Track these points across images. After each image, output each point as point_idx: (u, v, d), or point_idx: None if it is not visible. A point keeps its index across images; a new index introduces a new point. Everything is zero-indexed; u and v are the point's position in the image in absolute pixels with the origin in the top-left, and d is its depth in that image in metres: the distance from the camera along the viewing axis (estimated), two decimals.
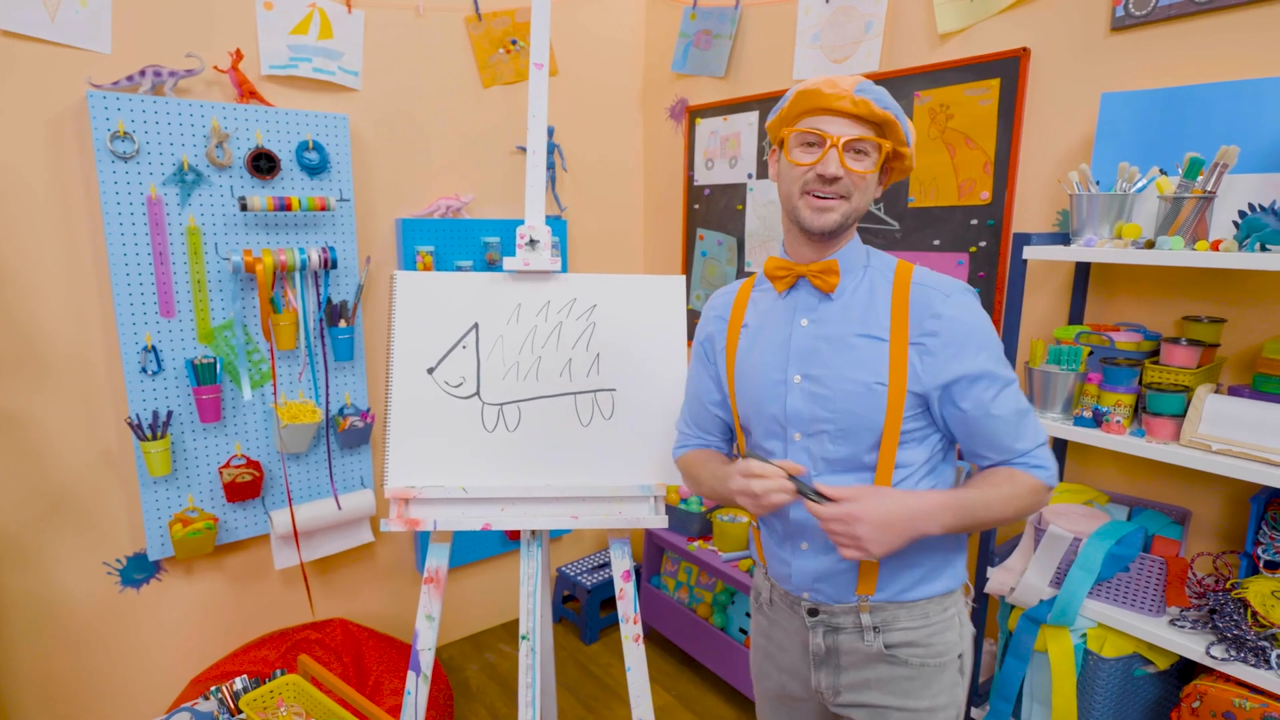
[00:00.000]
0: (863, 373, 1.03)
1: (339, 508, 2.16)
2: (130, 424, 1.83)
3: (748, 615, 2.37)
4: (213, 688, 1.40)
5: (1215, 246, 1.27)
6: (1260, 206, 1.23)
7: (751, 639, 1.28)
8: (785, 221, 1.11)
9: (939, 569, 1.10)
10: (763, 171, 2.41)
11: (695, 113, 2.61)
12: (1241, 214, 1.26)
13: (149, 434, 1.86)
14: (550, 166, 2.59)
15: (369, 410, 2.23)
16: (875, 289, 1.07)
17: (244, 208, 1.89)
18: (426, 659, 1.49)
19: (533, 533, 1.55)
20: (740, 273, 2.54)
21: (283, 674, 1.44)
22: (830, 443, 1.06)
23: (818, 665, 1.14)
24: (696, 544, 2.49)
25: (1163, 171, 1.43)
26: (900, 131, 1.02)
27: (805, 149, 1.03)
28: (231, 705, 1.45)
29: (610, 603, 2.75)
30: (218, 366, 1.94)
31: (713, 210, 2.60)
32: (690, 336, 2.76)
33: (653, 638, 2.68)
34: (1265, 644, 1.27)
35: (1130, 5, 1.54)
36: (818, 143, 1.02)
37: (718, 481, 1.16)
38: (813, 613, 1.12)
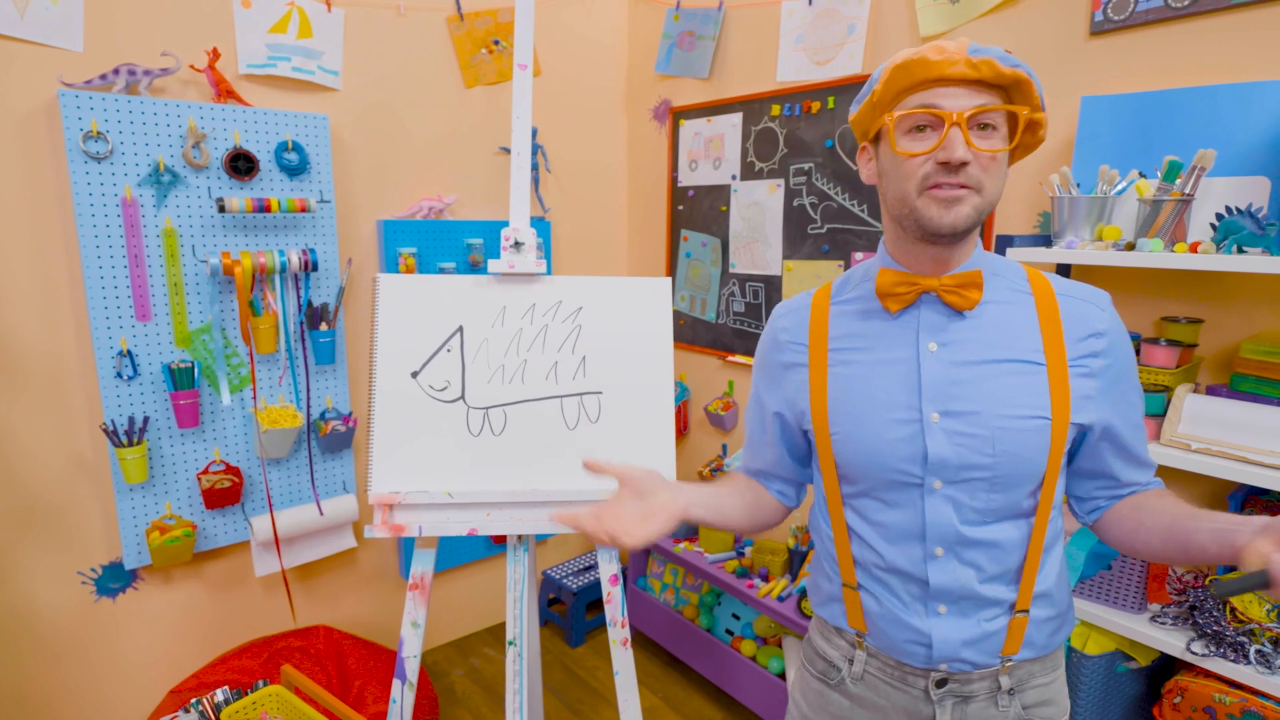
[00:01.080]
0: (1021, 406, 0.85)
1: (321, 513, 2.13)
2: (105, 430, 1.79)
3: (734, 617, 2.38)
4: (193, 700, 1.37)
5: (1194, 249, 1.29)
6: (1237, 209, 1.25)
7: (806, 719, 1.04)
8: (892, 229, 0.91)
9: (1069, 613, 0.96)
10: (747, 173, 2.41)
11: (679, 114, 2.61)
12: (1219, 216, 1.29)
13: (125, 440, 1.82)
14: (533, 168, 2.58)
15: (351, 414, 2.20)
16: (1014, 303, 0.89)
17: (222, 209, 1.86)
18: (412, 667, 1.47)
19: (519, 538, 1.54)
20: (725, 274, 2.54)
21: (265, 684, 1.42)
22: (986, 491, 0.87)
23: None
24: (683, 545, 2.49)
25: (1142, 174, 1.45)
26: (1035, 93, 0.82)
27: (915, 135, 0.82)
28: (213, 717, 1.42)
29: (596, 605, 2.74)
30: (195, 371, 1.91)
31: (697, 211, 2.60)
32: (676, 336, 2.76)
33: (639, 639, 2.67)
34: (1244, 639, 1.29)
35: (1109, 10, 1.56)
36: (932, 124, 0.81)
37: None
38: (941, 684, 0.92)
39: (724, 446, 2.64)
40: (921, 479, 0.88)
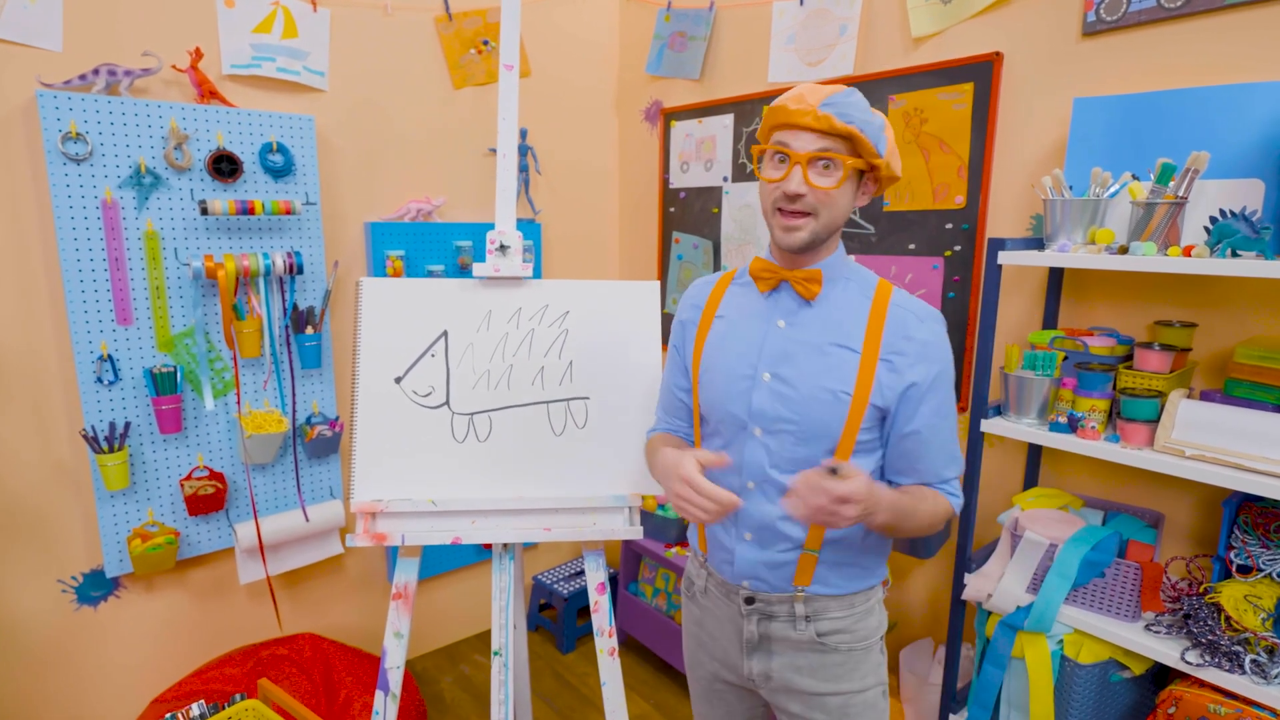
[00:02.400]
0: (831, 380, 1.07)
1: (307, 519, 2.10)
2: (85, 436, 1.76)
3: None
4: (168, 715, 1.34)
5: (1187, 252, 1.27)
6: (1231, 212, 1.23)
7: (684, 628, 1.31)
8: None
9: (872, 568, 1.17)
10: (739, 174, 2.40)
11: (670, 115, 2.58)
12: (1213, 219, 1.27)
13: (105, 446, 1.79)
14: (524, 169, 2.55)
15: (338, 419, 2.17)
16: (854, 302, 1.10)
17: (204, 211, 1.83)
18: (395, 677, 1.45)
19: (504, 546, 1.51)
20: None
21: (242, 698, 1.39)
22: (791, 442, 1.09)
23: (750, 652, 1.18)
24: (674, 550, 2.46)
25: (1135, 177, 1.43)
26: (867, 144, 1.01)
27: (775, 165, 1.05)
28: None
29: (588, 611, 2.71)
30: (178, 375, 1.88)
31: (688, 213, 2.58)
32: (666, 341, 2.73)
33: (630, 645, 2.65)
34: (1239, 649, 1.27)
35: (1102, 10, 1.54)
36: (784, 159, 1.03)
37: (664, 469, 1.15)
38: (749, 600, 1.16)
39: None
40: (746, 423, 1.11)
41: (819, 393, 1.07)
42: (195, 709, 1.38)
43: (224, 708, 1.39)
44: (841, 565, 1.14)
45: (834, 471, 0.97)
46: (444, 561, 2.55)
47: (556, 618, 2.65)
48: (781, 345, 1.10)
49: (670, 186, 2.64)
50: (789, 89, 1.06)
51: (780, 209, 1.05)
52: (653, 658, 2.58)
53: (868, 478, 0.98)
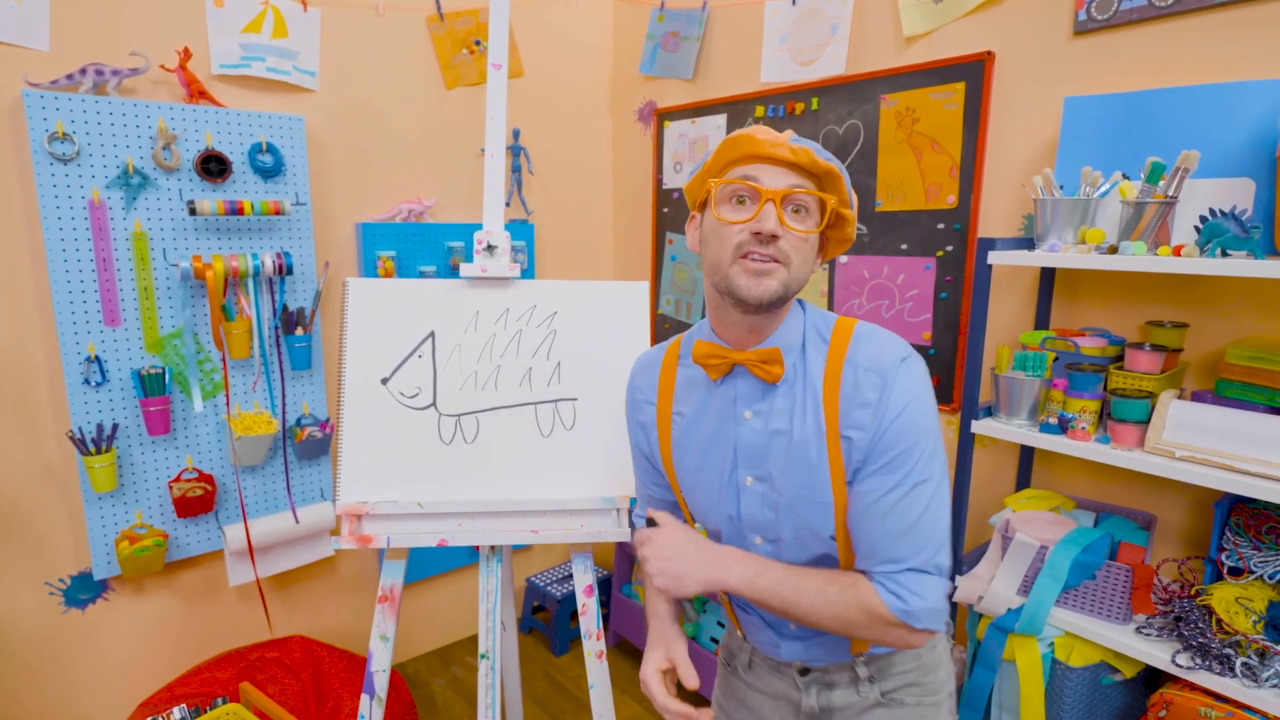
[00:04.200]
0: (810, 486, 0.91)
1: (297, 521, 2.09)
2: (72, 438, 1.75)
3: (720, 625, 2.34)
4: (149, 718, 1.33)
5: (1177, 252, 1.26)
6: (1221, 211, 1.22)
7: (716, 703, 1.19)
8: (712, 295, 0.94)
9: None
10: None
11: (663, 115, 2.58)
12: (1203, 219, 1.26)
13: (92, 448, 1.78)
14: (517, 169, 2.54)
15: (329, 420, 2.16)
16: (820, 365, 0.92)
17: (193, 212, 1.82)
18: (381, 681, 1.44)
19: (492, 548, 1.50)
20: None
21: (224, 702, 1.38)
22: (788, 548, 0.95)
23: None
24: None
25: (1125, 176, 1.42)
26: (844, 187, 0.89)
27: (736, 205, 0.88)
28: None
29: None
30: (166, 377, 1.87)
31: (682, 214, 2.57)
32: (654, 341, 2.72)
33: (624, 647, 2.64)
34: (1230, 652, 1.26)
35: (1093, 9, 1.54)
36: (751, 196, 0.86)
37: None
38: (804, 672, 1.05)
39: None
40: (744, 532, 0.98)
41: (803, 493, 0.91)
42: (176, 713, 1.37)
43: (206, 711, 1.38)
44: None
45: (648, 522, 0.97)
46: (436, 563, 2.54)
47: (550, 620, 2.64)
48: (754, 441, 0.94)
49: (664, 187, 2.63)
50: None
51: (748, 254, 0.86)
52: None
53: (670, 518, 0.96)
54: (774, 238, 0.85)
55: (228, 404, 1.98)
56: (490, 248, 1.51)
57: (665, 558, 0.93)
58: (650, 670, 0.99)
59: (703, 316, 2.58)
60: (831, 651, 1.02)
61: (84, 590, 1.92)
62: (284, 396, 2.07)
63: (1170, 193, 1.30)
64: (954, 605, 1.63)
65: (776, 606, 0.90)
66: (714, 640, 2.34)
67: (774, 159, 0.87)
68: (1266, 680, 1.21)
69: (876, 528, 0.87)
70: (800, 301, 0.96)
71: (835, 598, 0.88)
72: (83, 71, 1.72)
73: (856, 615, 0.87)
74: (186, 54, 1.83)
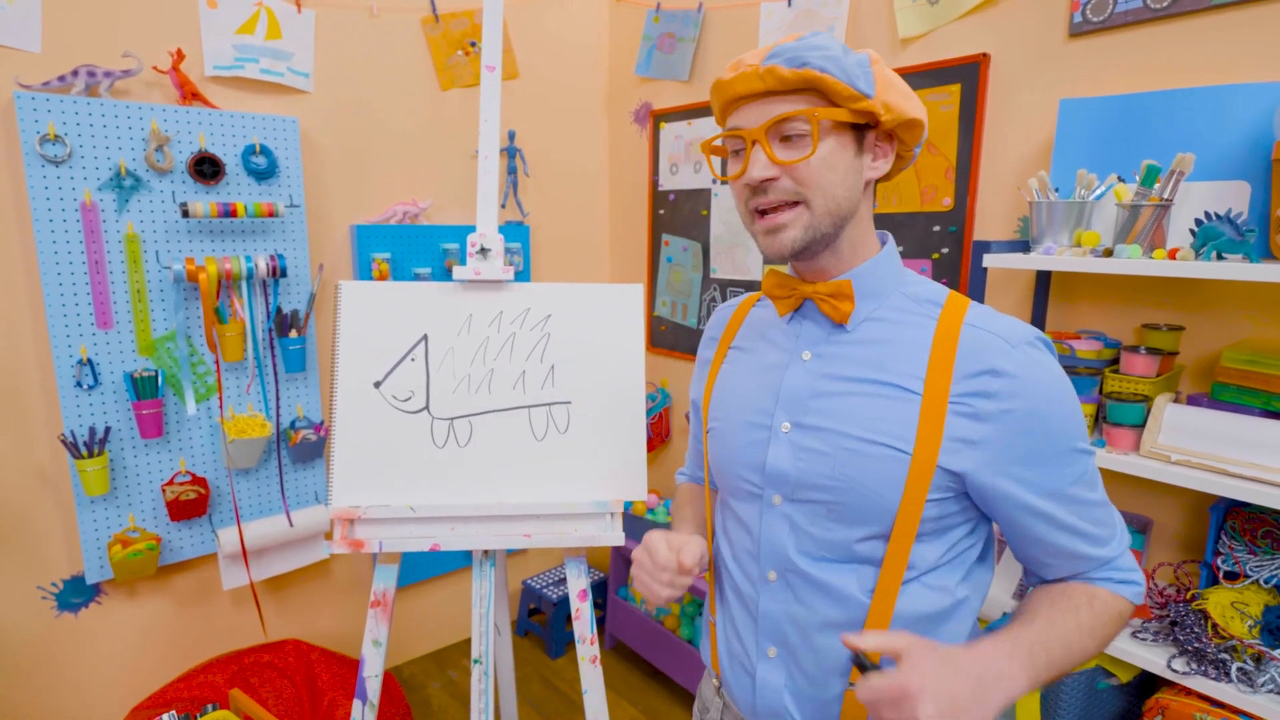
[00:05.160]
0: (880, 432, 0.76)
1: (291, 524, 2.08)
2: (64, 441, 1.74)
3: None
4: None
5: (1173, 255, 1.26)
6: (1216, 215, 1.22)
7: None
8: None
9: None
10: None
11: (659, 116, 2.57)
12: (1198, 222, 1.25)
13: (85, 451, 1.77)
14: (512, 171, 2.54)
15: (323, 423, 2.15)
16: (910, 326, 0.80)
17: (186, 214, 1.81)
18: (374, 687, 1.43)
19: (485, 552, 1.49)
20: (706, 279, 2.50)
21: (215, 709, 1.37)
22: (824, 518, 0.79)
23: None
24: None
25: (1120, 179, 1.42)
26: (838, 85, 0.73)
27: (735, 159, 0.80)
28: None
29: None
30: (159, 379, 1.86)
31: (678, 216, 2.57)
32: (650, 345, 2.72)
33: (620, 650, 2.63)
34: (1225, 656, 1.25)
35: (1088, 11, 1.53)
36: (744, 146, 0.78)
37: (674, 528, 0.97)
38: None
39: None
40: (761, 489, 0.84)
41: (858, 446, 0.77)
42: (167, 718, 1.36)
43: (197, 718, 1.37)
44: None
45: (860, 664, 0.70)
46: (431, 566, 2.53)
47: (546, 623, 2.63)
48: (805, 384, 0.82)
49: (659, 188, 2.62)
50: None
51: (756, 210, 0.79)
52: (642, 663, 2.56)
53: (913, 641, 0.68)
54: (769, 180, 0.76)
55: (221, 407, 1.97)
56: (484, 250, 1.50)
57: (946, 711, 0.63)
58: (658, 535, 0.86)
59: (698, 322, 2.61)
60: (815, 710, 0.83)
61: (76, 594, 1.91)
62: (278, 399, 2.07)
63: (1165, 196, 1.30)
64: None
65: (1055, 678, 0.75)
66: None
67: (748, 95, 0.76)
68: (1262, 685, 1.21)
69: (1067, 530, 0.77)
70: (904, 267, 0.86)
71: (1095, 625, 0.76)
72: (75, 73, 1.71)
73: (1115, 624, 0.78)
74: (179, 55, 1.82)
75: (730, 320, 0.97)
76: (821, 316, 0.84)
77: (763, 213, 0.79)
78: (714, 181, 2.42)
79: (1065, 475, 0.76)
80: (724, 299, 2.45)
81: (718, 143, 0.83)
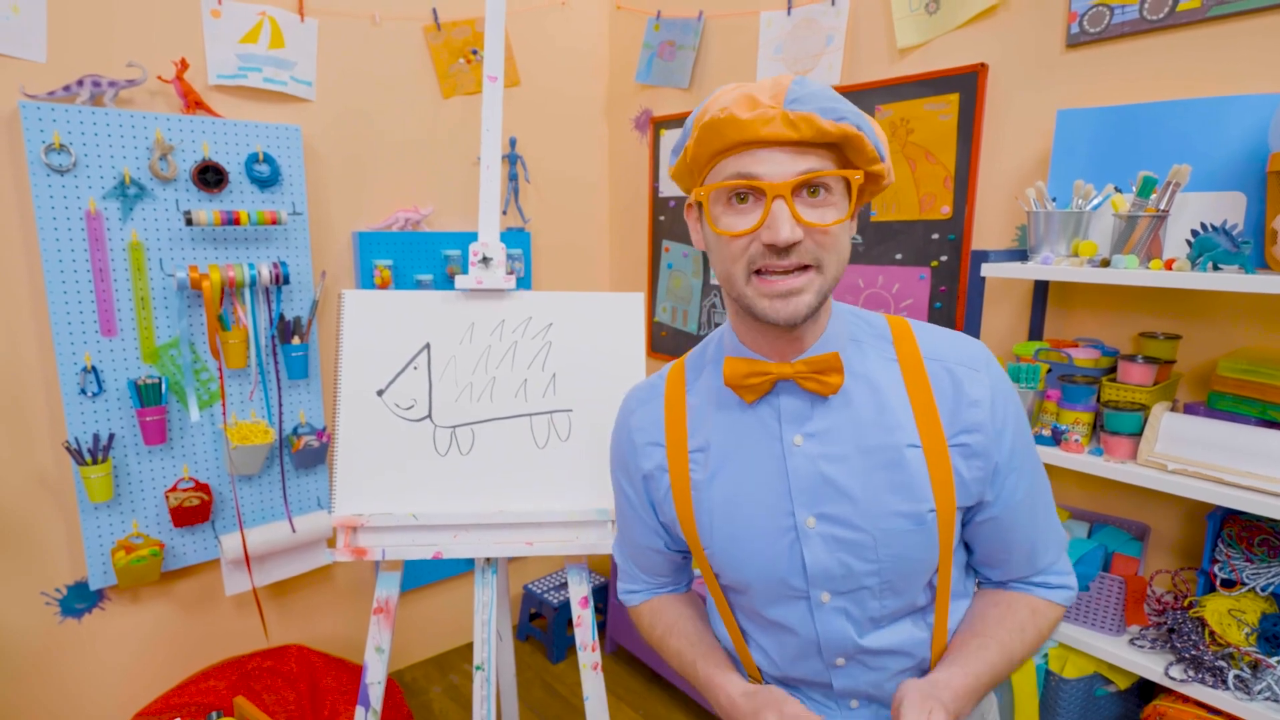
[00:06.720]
0: (903, 501, 0.75)
1: (293, 530, 2.09)
2: (68, 448, 1.75)
3: None
4: None
5: (1169, 265, 1.27)
6: (1212, 226, 1.23)
7: None
8: (730, 302, 0.79)
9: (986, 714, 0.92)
10: None
11: (660, 124, 2.58)
12: (1194, 233, 1.26)
13: (89, 458, 1.78)
14: (513, 178, 2.55)
15: (325, 429, 2.16)
16: (877, 370, 0.78)
17: (190, 222, 1.83)
18: (376, 693, 1.44)
19: (487, 560, 1.50)
20: (706, 286, 2.51)
21: (219, 716, 1.38)
22: (876, 599, 0.79)
23: None
24: None
25: (1117, 189, 1.43)
26: (868, 148, 0.70)
27: (735, 208, 0.71)
28: None
29: None
30: (163, 386, 1.87)
31: (678, 223, 2.58)
32: (651, 350, 2.73)
33: (621, 655, 2.64)
34: (1223, 664, 1.26)
35: (1085, 22, 1.54)
36: (753, 193, 0.70)
37: (699, 671, 0.87)
38: None
39: None
40: (807, 592, 0.80)
41: (894, 522, 0.75)
42: None
43: None
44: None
45: None
46: (433, 571, 2.54)
47: (546, 628, 2.64)
48: (811, 472, 0.77)
49: (660, 195, 2.63)
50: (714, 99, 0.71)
51: (761, 270, 0.71)
52: (643, 668, 2.57)
53: (919, 693, 0.72)
54: (793, 244, 0.69)
55: (224, 413, 1.98)
56: (486, 259, 1.51)
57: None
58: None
59: (698, 328, 2.62)
60: None
61: (80, 600, 1.92)
62: (280, 406, 2.08)
63: (1162, 206, 1.31)
64: None
65: (1008, 674, 0.80)
66: None
67: (769, 140, 0.68)
68: (1259, 693, 1.22)
69: (1021, 534, 0.81)
70: (841, 308, 0.83)
71: (1036, 637, 0.81)
72: (79, 83, 1.72)
73: (1048, 631, 0.82)
74: (183, 65, 1.84)
75: (668, 418, 0.85)
76: (798, 393, 0.78)
77: (770, 273, 0.71)
78: None
79: (1026, 487, 0.81)
80: (724, 306, 2.45)
81: (717, 190, 0.72)
